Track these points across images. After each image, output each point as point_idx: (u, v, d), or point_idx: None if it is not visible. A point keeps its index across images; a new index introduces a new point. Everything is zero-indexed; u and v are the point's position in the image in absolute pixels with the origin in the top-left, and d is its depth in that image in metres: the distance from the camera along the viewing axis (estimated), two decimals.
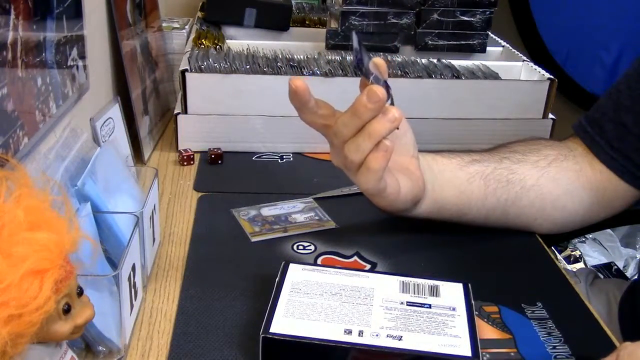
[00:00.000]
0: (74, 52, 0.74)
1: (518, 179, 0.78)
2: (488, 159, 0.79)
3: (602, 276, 1.28)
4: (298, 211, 0.84)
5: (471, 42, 1.15)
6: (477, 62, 1.10)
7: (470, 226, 0.79)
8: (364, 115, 0.60)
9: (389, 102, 0.62)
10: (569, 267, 1.67)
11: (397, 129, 0.62)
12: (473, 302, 0.62)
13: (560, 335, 0.64)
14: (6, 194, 0.43)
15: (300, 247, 0.77)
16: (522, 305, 0.68)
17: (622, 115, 0.78)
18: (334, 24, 1.14)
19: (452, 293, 0.63)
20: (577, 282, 0.97)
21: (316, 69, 0.99)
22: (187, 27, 1.26)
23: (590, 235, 1.81)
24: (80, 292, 0.46)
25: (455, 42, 1.15)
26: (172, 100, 1.14)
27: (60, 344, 0.47)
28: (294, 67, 1.00)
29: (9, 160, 0.49)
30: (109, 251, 0.63)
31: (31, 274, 0.40)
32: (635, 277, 1.38)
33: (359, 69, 0.62)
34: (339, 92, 0.98)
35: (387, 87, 0.62)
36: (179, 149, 0.98)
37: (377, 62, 0.63)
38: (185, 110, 0.98)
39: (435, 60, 1.09)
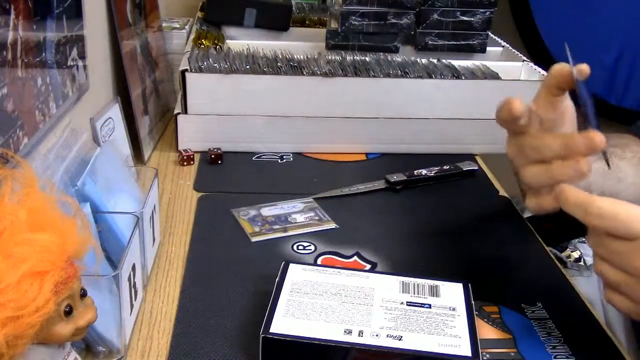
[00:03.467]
0: (74, 52, 0.74)
1: (623, 175, 0.75)
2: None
3: None
4: (298, 211, 0.84)
5: (471, 42, 1.15)
6: (477, 62, 1.10)
7: (470, 226, 0.79)
8: (572, 152, 0.59)
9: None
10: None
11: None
12: (473, 302, 0.62)
13: (560, 335, 0.64)
14: (11, 193, 0.42)
15: (300, 247, 0.77)
16: (522, 305, 0.68)
17: None
18: (334, 24, 1.14)
19: (452, 293, 0.63)
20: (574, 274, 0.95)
21: (316, 69, 0.99)
22: (187, 27, 1.26)
23: None
24: (83, 294, 0.46)
25: (455, 42, 1.15)
26: (172, 100, 1.14)
27: (63, 345, 0.47)
28: (294, 67, 1.00)
29: (14, 157, 0.49)
30: (109, 251, 0.63)
31: (31, 275, 0.40)
32: None
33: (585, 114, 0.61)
34: (338, 92, 1.00)
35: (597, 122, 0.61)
36: (179, 149, 0.98)
37: (583, 69, 0.64)
38: (185, 110, 0.98)
39: (435, 60, 1.09)
